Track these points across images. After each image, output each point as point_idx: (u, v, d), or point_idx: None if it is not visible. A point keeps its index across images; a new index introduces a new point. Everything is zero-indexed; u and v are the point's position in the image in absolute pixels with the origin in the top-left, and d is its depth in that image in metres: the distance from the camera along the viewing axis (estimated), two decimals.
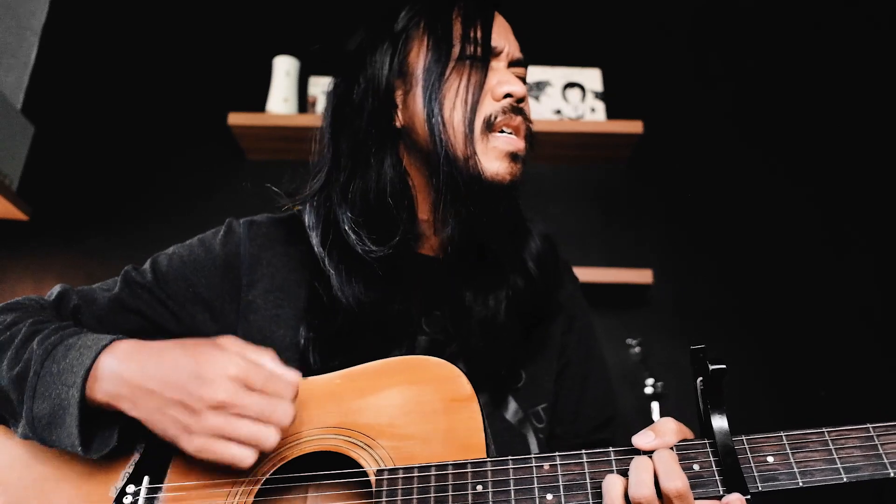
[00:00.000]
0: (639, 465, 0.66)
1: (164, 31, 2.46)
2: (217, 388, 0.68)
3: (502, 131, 0.90)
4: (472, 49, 0.90)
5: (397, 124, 0.94)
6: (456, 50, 0.90)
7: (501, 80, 0.91)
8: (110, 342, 0.76)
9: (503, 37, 0.94)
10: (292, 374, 0.72)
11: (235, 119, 2.16)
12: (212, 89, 2.38)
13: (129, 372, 0.72)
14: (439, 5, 0.94)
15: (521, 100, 0.92)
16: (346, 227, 0.90)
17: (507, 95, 0.90)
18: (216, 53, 2.42)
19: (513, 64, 0.95)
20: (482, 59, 0.90)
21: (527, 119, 0.93)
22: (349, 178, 0.92)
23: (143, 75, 2.41)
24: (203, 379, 0.69)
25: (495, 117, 0.89)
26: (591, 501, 0.68)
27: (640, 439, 0.70)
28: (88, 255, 2.20)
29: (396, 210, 0.90)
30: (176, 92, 2.39)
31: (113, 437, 0.75)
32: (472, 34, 0.90)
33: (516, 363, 0.96)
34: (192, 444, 0.69)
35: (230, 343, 0.73)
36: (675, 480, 0.64)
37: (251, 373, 0.70)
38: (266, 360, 0.72)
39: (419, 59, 0.91)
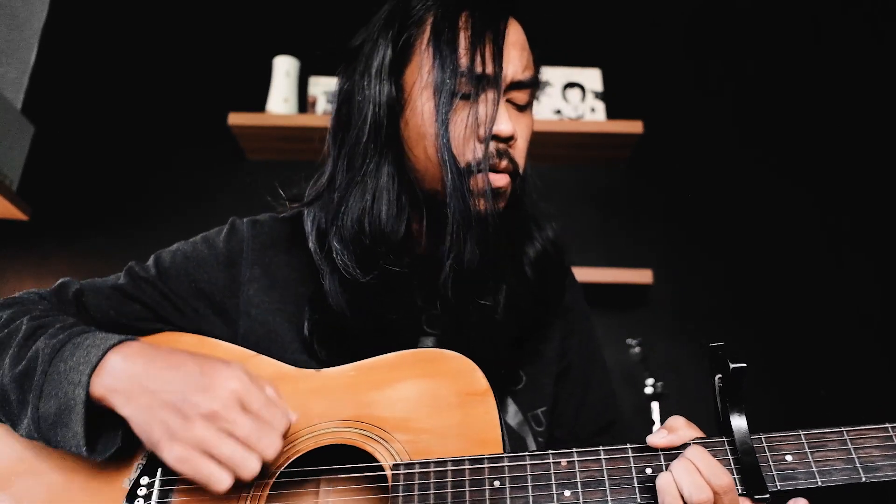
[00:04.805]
0: (687, 469, 0.65)
1: (164, 32, 2.45)
2: (214, 398, 0.67)
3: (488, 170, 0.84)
4: (466, 84, 0.83)
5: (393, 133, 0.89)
6: (451, 83, 0.82)
7: (490, 116, 0.83)
8: (119, 342, 0.75)
9: (507, 57, 0.85)
10: (289, 409, 0.71)
11: (235, 119, 2.16)
12: (212, 89, 2.37)
13: (132, 369, 0.72)
14: (442, 19, 0.85)
15: (510, 138, 0.85)
16: (335, 247, 0.88)
17: (495, 136, 0.84)
18: (216, 53, 2.41)
19: (514, 87, 0.86)
20: (473, 96, 0.83)
21: (512, 161, 0.87)
22: (342, 199, 0.88)
23: (143, 75, 2.40)
24: (203, 387, 0.68)
25: (478, 164, 0.83)
26: (609, 498, 0.68)
27: (656, 438, 0.70)
28: (88, 255, 2.19)
29: (386, 242, 0.86)
30: (176, 92, 2.39)
31: (117, 439, 0.74)
32: (476, 60, 0.82)
33: (516, 365, 0.95)
34: (173, 453, 0.67)
35: (239, 364, 0.72)
36: (723, 477, 0.64)
37: (252, 393, 0.69)
38: (268, 388, 0.71)
39: (416, 77, 0.86)
